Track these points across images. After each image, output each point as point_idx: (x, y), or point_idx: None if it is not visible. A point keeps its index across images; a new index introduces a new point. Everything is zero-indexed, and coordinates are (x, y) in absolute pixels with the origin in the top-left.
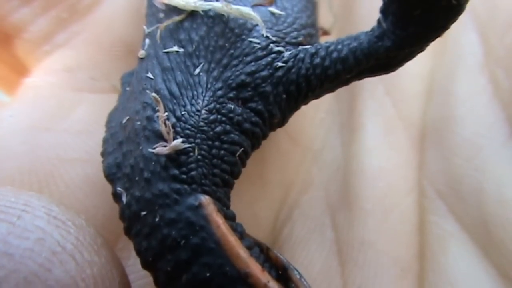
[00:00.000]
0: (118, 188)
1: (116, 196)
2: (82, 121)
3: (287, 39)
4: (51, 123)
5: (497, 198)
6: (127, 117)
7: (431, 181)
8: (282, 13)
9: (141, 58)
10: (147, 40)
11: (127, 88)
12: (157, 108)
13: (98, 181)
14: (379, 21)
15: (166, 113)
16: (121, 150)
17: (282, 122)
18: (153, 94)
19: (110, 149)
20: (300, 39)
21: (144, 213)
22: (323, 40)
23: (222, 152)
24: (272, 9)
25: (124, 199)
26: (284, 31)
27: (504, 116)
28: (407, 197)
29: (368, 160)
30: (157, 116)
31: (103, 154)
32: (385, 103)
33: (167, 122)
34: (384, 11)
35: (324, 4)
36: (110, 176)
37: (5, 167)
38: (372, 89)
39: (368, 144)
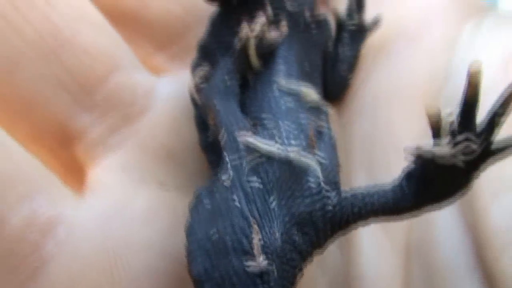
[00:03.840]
0: None
1: None
2: (143, 211)
3: (330, 179)
4: (118, 212)
5: None
6: (217, 234)
7: None
8: (326, 161)
9: (226, 186)
10: (231, 172)
11: (207, 205)
12: (252, 234)
13: (157, 267)
14: (401, 185)
15: (261, 240)
16: (210, 259)
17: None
18: (254, 225)
19: (197, 256)
20: (337, 178)
21: None
22: None
23: (289, 274)
24: (320, 158)
25: None
26: (327, 173)
27: None
28: None
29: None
30: (249, 240)
31: (189, 258)
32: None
33: (259, 247)
34: (408, 177)
35: None
36: (199, 278)
37: (83, 247)
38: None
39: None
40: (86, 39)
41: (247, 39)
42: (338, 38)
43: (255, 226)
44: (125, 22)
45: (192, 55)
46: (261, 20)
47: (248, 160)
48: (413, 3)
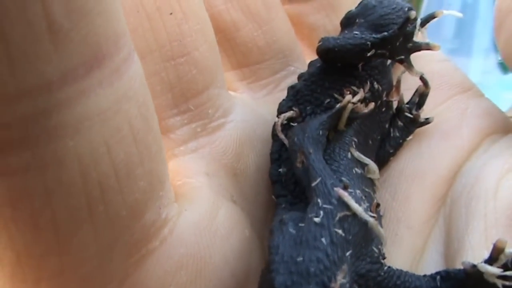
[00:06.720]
0: None
1: None
2: (224, 227)
3: (384, 250)
4: (208, 225)
5: None
6: (302, 259)
7: None
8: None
9: (316, 223)
10: (321, 212)
11: (292, 231)
12: (338, 273)
13: (228, 286)
14: (436, 278)
15: (343, 279)
16: (291, 277)
17: None
18: (343, 268)
19: (281, 271)
20: (384, 251)
21: None
22: None
23: None
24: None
25: None
26: (384, 244)
27: None
28: None
29: None
30: (333, 278)
31: (272, 271)
32: None
33: (339, 285)
34: (446, 276)
35: None
36: None
37: (179, 250)
38: None
39: None
40: (200, 54)
41: (347, 105)
42: (394, 121)
43: (344, 269)
44: (215, 35)
45: (259, 82)
46: (360, 93)
47: (339, 210)
48: (453, 104)
